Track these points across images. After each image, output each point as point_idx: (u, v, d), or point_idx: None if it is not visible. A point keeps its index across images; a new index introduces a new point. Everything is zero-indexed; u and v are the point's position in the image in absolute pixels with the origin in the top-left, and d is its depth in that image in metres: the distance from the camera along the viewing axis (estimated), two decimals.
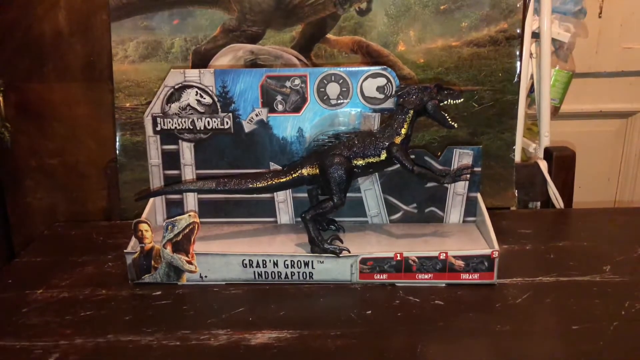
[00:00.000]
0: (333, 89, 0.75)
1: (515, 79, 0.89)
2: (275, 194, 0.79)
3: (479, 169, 0.76)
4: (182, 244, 0.68)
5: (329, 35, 0.90)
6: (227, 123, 0.77)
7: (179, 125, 0.78)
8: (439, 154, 0.76)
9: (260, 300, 0.66)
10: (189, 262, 0.69)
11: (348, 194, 0.70)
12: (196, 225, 0.68)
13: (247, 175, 0.74)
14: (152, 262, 0.69)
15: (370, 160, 0.70)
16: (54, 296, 0.68)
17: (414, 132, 0.71)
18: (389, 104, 0.75)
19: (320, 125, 0.76)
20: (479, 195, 0.77)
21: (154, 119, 0.78)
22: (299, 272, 0.68)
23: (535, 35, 0.97)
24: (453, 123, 0.70)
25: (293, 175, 0.72)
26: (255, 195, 0.78)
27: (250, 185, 0.73)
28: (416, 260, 0.67)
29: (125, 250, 0.69)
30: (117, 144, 0.91)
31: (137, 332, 0.60)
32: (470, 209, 0.78)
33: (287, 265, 0.68)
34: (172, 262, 0.69)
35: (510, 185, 0.91)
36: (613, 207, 1.33)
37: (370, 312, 0.63)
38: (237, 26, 0.90)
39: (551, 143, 1.00)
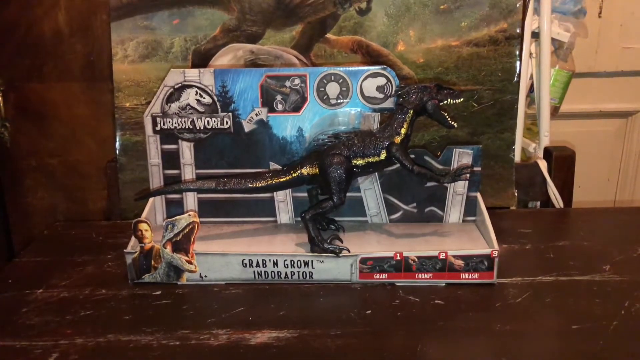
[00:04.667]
0: (333, 89, 0.75)
1: (515, 79, 0.89)
2: (275, 193, 0.79)
3: (479, 168, 0.76)
4: (182, 244, 0.68)
5: (329, 35, 0.90)
6: (226, 123, 0.77)
7: (178, 124, 0.78)
8: (439, 153, 0.76)
9: (260, 300, 0.66)
10: (189, 262, 0.69)
11: (348, 194, 0.70)
12: (196, 225, 0.68)
13: (246, 175, 0.74)
14: (152, 262, 0.69)
15: (370, 159, 0.70)
16: (53, 296, 0.68)
17: (413, 131, 0.71)
18: (389, 103, 0.75)
19: (320, 124, 0.76)
20: (478, 195, 0.77)
21: (154, 118, 0.78)
22: (298, 272, 0.68)
23: (535, 35, 0.97)
24: (453, 123, 0.70)
25: (293, 175, 0.72)
26: (255, 195, 0.78)
27: (250, 185, 0.73)
28: (416, 259, 0.67)
29: (125, 250, 0.69)
30: (117, 143, 0.91)
31: (137, 331, 0.60)
32: (470, 208, 0.78)
33: (287, 264, 0.68)
34: (172, 262, 0.69)
35: (510, 185, 0.91)
36: (613, 207, 1.33)
37: (370, 311, 0.63)
38: (237, 26, 0.90)
39: (551, 143, 0.99)
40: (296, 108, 0.76)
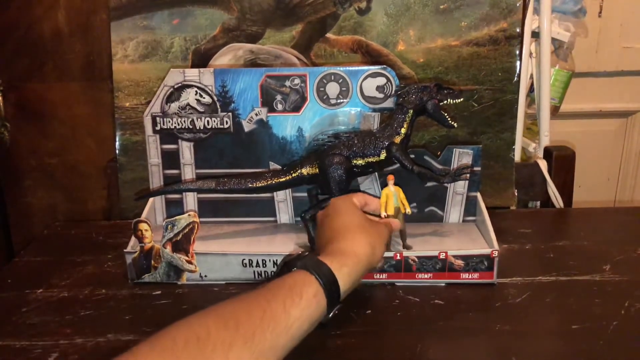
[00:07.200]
0: (333, 89, 0.75)
1: (515, 79, 0.89)
2: (274, 193, 0.79)
3: (479, 168, 0.76)
4: (181, 244, 0.68)
5: (329, 35, 0.90)
6: (226, 122, 0.77)
7: (178, 124, 0.78)
8: (439, 153, 0.76)
9: None
10: (189, 262, 0.69)
11: None
12: (196, 225, 0.68)
13: (246, 175, 0.74)
14: (152, 262, 0.69)
15: (370, 159, 0.70)
16: (53, 296, 0.68)
17: (413, 131, 0.71)
18: (389, 103, 0.75)
19: (320, 124, 0.76)
20: (478, 195, 0.77)
21: (154, 118, 0.78)
22: None
23: (535, 35, 0.97)
24: (453, 122, 0.70)
25: (293, 175, 0.72)
26: (254, 195, 0.78)
27: (250, 185, 0.73)
28: (416, 259, 0.67)
29: (125, 250, 0.69)
30: (117, 143, 0.91)
31: (137, 331, 0.60)
32: (470, 208, 0.78)
33: None
34: (172, 262, 0.69)
35: (510, 185, 0.91)
36: (613, 207, 1.32)
37: (370, 311, 0.63)
38: (237, 26, 0.90)
39: (551, 142, 0.99)
40: (296, 108, 0.76)
